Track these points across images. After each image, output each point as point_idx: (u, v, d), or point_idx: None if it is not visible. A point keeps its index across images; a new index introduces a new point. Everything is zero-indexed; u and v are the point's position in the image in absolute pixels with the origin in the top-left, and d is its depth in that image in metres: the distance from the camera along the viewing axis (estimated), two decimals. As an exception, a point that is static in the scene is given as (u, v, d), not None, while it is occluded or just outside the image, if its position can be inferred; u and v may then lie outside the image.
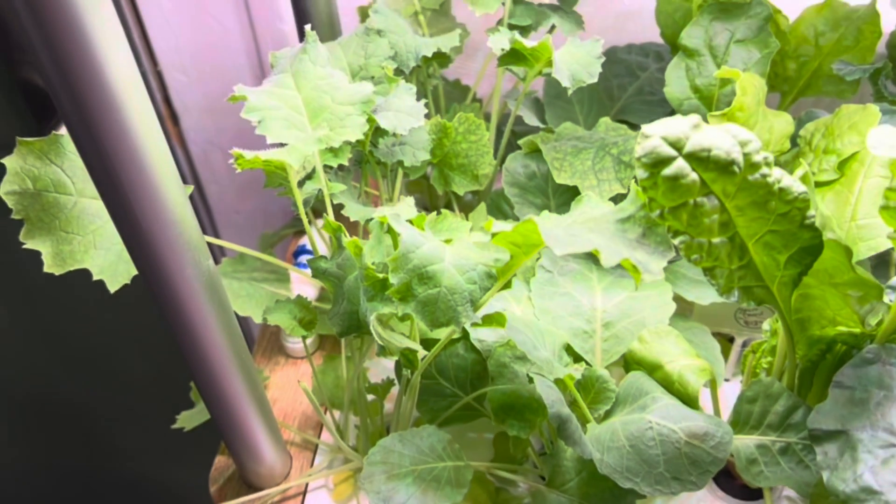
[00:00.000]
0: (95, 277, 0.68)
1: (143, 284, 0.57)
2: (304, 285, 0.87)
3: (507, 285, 0.70)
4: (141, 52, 1.14)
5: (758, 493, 0.76)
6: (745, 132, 0.50)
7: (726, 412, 0.76)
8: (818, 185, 0.72)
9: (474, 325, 0.64)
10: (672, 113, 0.96)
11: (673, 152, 0.49)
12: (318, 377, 0.88)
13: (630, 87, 0.99)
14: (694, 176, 0.50)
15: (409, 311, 0.57)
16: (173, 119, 1.23)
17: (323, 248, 0.97)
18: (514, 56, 0.75)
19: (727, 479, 0.78)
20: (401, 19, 0.80)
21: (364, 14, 1.00)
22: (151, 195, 0.51)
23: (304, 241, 0.96)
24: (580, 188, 0.77)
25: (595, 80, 0.71)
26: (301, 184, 0.68)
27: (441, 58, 0.85)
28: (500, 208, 0.89)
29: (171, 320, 0.60)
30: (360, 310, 0.65)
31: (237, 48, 1.11)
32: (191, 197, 1.05)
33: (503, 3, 0.83)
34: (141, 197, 0.50)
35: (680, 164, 0.49)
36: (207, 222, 1.35)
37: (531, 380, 0.63)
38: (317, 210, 1.08)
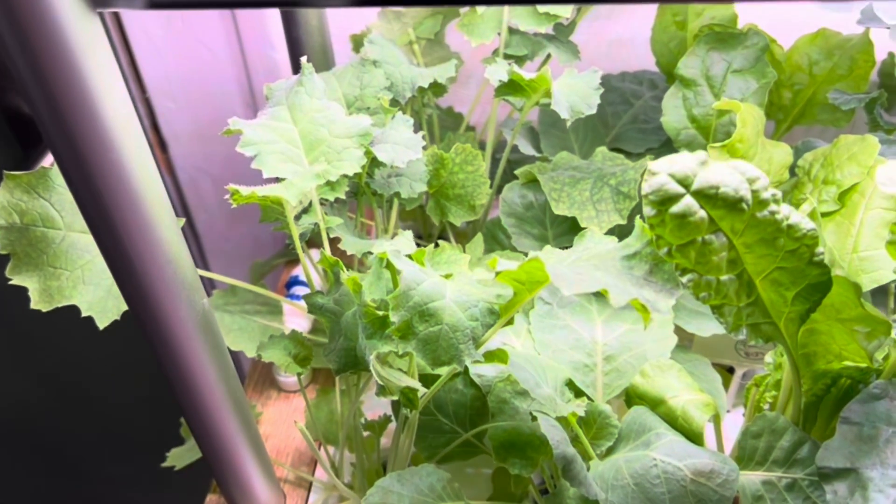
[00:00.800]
0: (84, 314, 0.67)
1: (136, 323, 0.56)
2: (296, 317, 0.85)
3: (510, 322, 0.68)
4: (129, 79, 1.13)
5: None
6: (753, 169, 0.49)
7: (728, 444, 0.74)
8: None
9: (475, 362, 0.63)
10: (668, 141, 0.96)
11: (681, 189, 0.48)
12: (312, 412, 0.87)
13: (625, 115, 0.98)
14: (702, 213, 0.49)
15: (409, 350, 0.55)
16: (161, 146, 1.22)
17: (318, 281, 0.95)
18: (511, 87, 0.74)
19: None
20: (396, 49, 0.79)
21: (357, 42, 0.99)
22: (146, 234, 0.49)
23: (297, 271, 0.94)
24: (578, 219, 0.76)
25: (594, 111, 0.71)
26: (297, 217, 0.66)
27: (436, 87, 0.84)
28: (496, 237, 0.88)
29: (164, 360, 0.58)
30: (358, 346, 0.63)
31: (227, 75, 1.10)
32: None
33: (499, 33, 0.82)
34: (135, 236, 0.49)
35: (688, 202, 0.48)
36: (196, 251, 1.33)
37: (534, 417, 0.62)
38: (310, 241, 1.07)
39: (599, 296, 0.78)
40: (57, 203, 0.68)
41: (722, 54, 0.79)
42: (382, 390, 0.59)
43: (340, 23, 0.97)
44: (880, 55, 0.89)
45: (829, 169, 0.73)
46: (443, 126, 1.02)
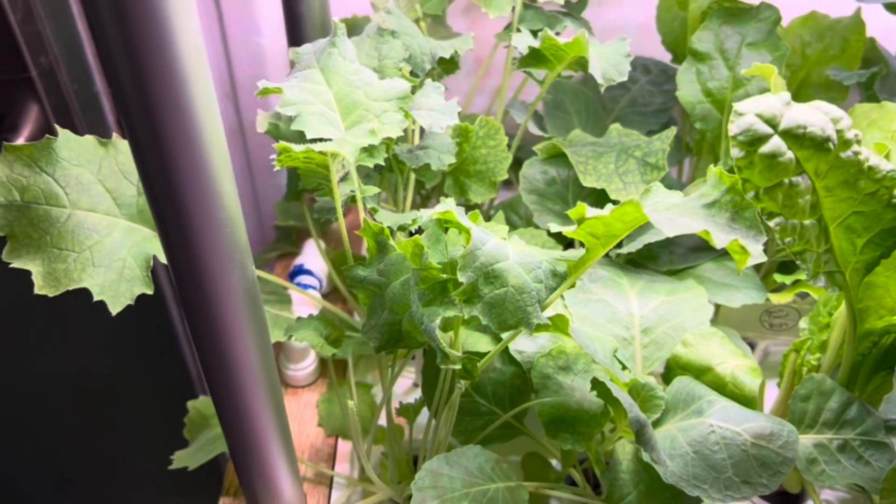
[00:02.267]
0: (96, 298, 0.60)
1: (177, 291, 0.51)
2: (306, 307, 0.81)
3: (572, 285, 0.66)
4: (98, 68, 1.06)
5: (795, 500, 0.74)
6: (836, 109, 0.49)
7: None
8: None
9: (539, 328, 0.60)
10: (667, 123, 0.96)
11: (769, 129, 0.47)
12: (324, 406, 0.82)
13: (622, 100, 0.98)
14: (790, 154, 0.48)
15: (475, 314, 0.52)
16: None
17: (322, 268, 0.91)
18: (535, 57, 0.73)
19: (764, 487, 0.76)
20: (412, 23, 0.77)
21: (348, 27, 0.96)
22: (208, 186, 0.45)
23: (300, 261, 0.89)
24: (608, 191, 0.74)
25: (625, 78, 0.70)
26: (332, 186, 0.63)
27: (449, 63, 0.82)
28: (509, 220, 0.86)
29: (204, 333, 0.53)
30: (406, 319, 0.60)
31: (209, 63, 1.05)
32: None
33: (513, 8, 0.81)
34: (196, 187, 0.44)
35: (776, 142, 0.48)
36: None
37: (600, 387, 0.59)
38: (301, 233, 1.02)
39: (627, 269, 0.77)
40: (61, 178, 0.62)
41: (736, 28, 0.80)
42: (445, 358, 0.55)
43: (336, 9, 0.94)
44: (871, 35, 0.92)
45: (848, 136, 0.74)
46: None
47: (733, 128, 0.48)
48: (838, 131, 0.48)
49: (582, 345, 0.59)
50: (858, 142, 0.49)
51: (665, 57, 0.99)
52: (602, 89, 0.69)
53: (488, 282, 0.52)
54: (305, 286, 0.86)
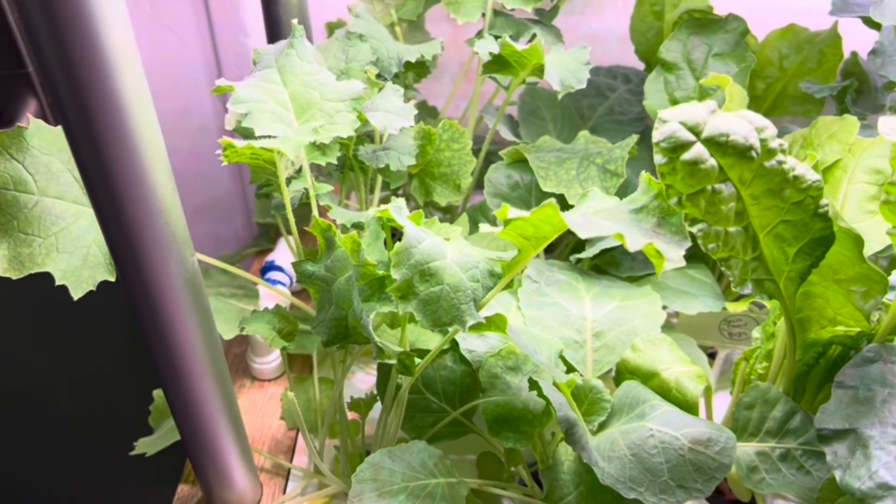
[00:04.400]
0: (58, 282, 0.63)
1: (121, 281, 0.53)
2: (273, 302, 0.82)
3: (510, 285, 0.67)
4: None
5: (748, 509, 0.74)
6: (761, 118, 0.49)
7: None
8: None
9: (474, 327, 0.61)
10: (644, 132, 0.97)
11: (691, 137, 0.48)
12: (288, 399, 0.83)
13: (600, 108, 0.99)
14: (712, 161, 0.49)
15: (409, 310, 0.53)
16: (123, 139, 1.17)
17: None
18: (499, 63, 0.74)
19: (716, 495, 0.76)
20: (382, 26, 0.79)
21: (331, 30, 0.98)
22: (139, 176, 0.47)
23: (271, 257, 0.91)
24: (566, 197, 0.76)
25: (583, 85, 0.71)
26: (287, 183, 0.64)
27: (419, 67, 0.84)
28: (476, 223, 0.87)
29: (147, 321, 0.55)
30: (350, 314, 0.61)
31: (196, 63, 1.08)
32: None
33: (483, 15, 0.82)
34: (127, 177, 0.46)
35: (699, 149, 0.48)
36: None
37: (533, 385, 0.60)
38: (278, 231, 1.04)
39: (586, 274, 0.78)
40: (31, 166, 0.64)
41: (703, 38, 0.81)
42: (381, 352, 0.57)
43: (319, 11, 0.96)
44: (848, 49, 0.92)
45: (809, 149, 0.75)
46: (418, 119, 1.02)
47: (656, 134, 0.49)
48: (762, 140, 0.49)
49: (519, 344, 0.60)
50: (784, 151, 0.50)
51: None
52: (559, 96, 0.70)
53: (424, 279, 0.54)
54: (274, 282, 0.88)
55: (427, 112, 1.05)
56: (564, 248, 0.91)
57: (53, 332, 1.11)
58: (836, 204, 0.70)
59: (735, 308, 0.76)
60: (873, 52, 0.80)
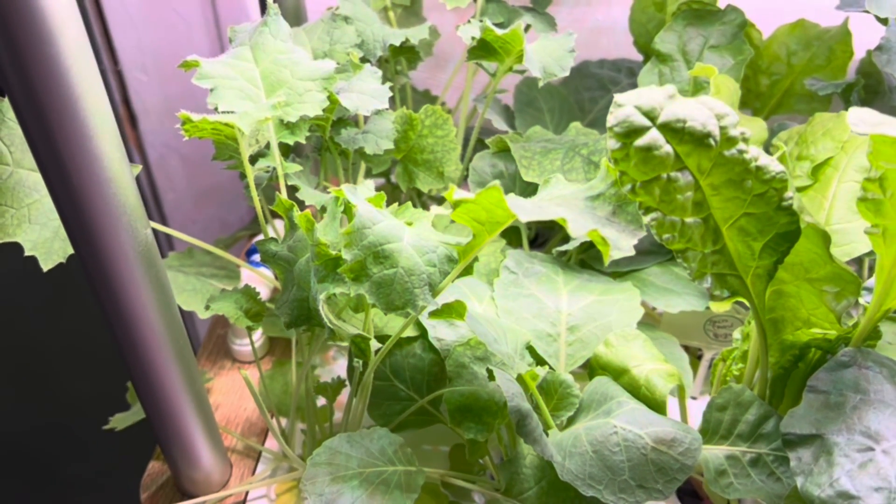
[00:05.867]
0: (28, 253, 0.63)
1: (75, 251, 0.53)
2: (256, 284, 0.82)
3: (468, 271, 0.66)
4: (102, 49, 1.10)
5: (724, 515, 0.72)
6: (721, 105, 0.47)
7: (694, 426, 0.72)
8: (791, 190, 0.70)
9: (431, 314, 0.60)
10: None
11: (646, 122, 0.47)
12: (266, 382, 0.83)
13: (601, 101, 0.97)
14: (668, 148, 0.47)
15: (362, 292, 0.53)
16: (132, 122, 1.19)
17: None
18: (484, 48, 0.73)
19: (693, 499, 0.74)
20: (369, 9, 0.78)
21: (334, 15, 0.97)
22: (84, 142, 0.46)
23: (257, 239, 0.91)
24: (548, 187, 0.74)
25: (567, 73, 0.69)
26: (254, 160, 0.64)
27: (410, 53, 0.83)
28: (465, 212, 0.86)
29: (103, 295, 0.55)
30: (311, 296, 0.61)
31: (201, 46, 1.08)
32: (146, 205, 1.02)
33: (475, 0, 0.81)
34: (73, 143, 0.46)
35: (653, 135, 0.47)
36: (163, 232, 1.30)
37: (493, 376, 0.59)
38: (275, 213, 1.04)
39: (568, 267, 0.76)
40: (6, 137, 0.65)
41: (699, 30, 0.79)
42: (333, 335, 0.56)
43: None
44: (858, 46, 0.89)
45: (803, 145, 0.72)
46: (418, 107, 1.01)
47: (611, 118, 0.47)
48: (722, 128, 0.47)
49: (477, 332, 0.59)
50: (745, 140, 0.48)
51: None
52: (540, 84, 0.68)
53: (378, 261, 0.53)
54: (257, 264, 0.88)
55: (429, 101, 1.04)
56: (561, 242, 0.89)
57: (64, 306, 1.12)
58: (825, 203, 0.68)
59: (718, 307, 0.73)
60: (879, 49, 0.77)
